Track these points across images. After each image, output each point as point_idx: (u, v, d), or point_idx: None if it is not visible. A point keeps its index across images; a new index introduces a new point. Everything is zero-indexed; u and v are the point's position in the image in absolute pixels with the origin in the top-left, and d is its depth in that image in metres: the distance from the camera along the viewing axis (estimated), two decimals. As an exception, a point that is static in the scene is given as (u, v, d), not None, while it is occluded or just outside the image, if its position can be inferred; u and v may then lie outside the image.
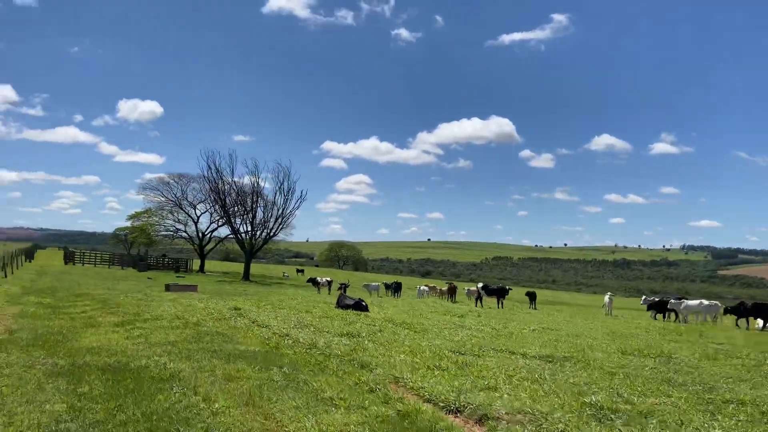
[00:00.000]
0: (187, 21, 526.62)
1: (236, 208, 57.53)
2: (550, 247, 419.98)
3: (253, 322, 15.90)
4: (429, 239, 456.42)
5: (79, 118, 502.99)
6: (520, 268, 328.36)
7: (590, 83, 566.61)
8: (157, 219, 66.30)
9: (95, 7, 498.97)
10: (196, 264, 66.13)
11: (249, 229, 57.42)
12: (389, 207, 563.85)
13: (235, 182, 56.84)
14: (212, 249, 68.58)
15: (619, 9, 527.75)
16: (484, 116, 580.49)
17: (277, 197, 57.24)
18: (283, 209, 56.98)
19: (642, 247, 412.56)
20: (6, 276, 33.95)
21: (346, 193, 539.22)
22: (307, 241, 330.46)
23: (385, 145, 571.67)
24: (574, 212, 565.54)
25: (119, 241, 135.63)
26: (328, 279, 47.22)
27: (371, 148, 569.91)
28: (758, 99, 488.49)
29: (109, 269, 57.54)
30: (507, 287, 39.44)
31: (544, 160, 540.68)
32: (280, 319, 16.87)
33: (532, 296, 42.57)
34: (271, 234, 57.68)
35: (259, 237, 58.09)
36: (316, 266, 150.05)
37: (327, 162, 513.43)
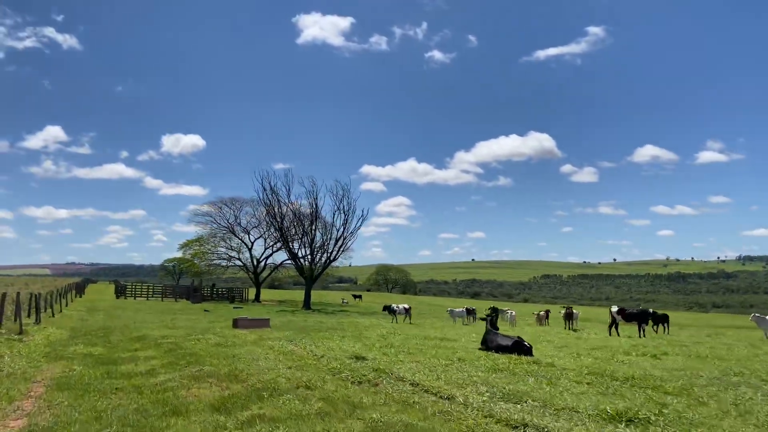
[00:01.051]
0: (225, 56, 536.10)
1: (294, 231, 52.92)
2: (599, 263, 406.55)
3: (414, 386, 10.43)
4: (473, 259, 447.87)
5: (124, 154, 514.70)
6: (570, 286, 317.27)
7: (630, 94, 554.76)
8: (209, 247, 62.28)
9: (137, 48, 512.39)
10: (250, 293, 61.67)
11: (308, 253, 52.69)
12: (430, 228, 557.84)
13: (291, 203, 52.42)
14: (268, 276, 64.24)
15: (657, 16, 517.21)
16: (522, 133, 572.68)
17: (335, 218, 52.50)
18: (343, 230, 52.16)
19: (695, 259, 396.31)
20: (53, 315, 29.59)
21: (386, 216, 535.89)
22: (350, 265, 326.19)
23: (423, 167, 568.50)
24: (621, 226, 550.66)
25: (168, 273, 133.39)
26: (406, 306, 41.92)
27: (409, 170, 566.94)
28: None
29: (162, 302, 53.44)
30: (650, 310, 33.11)
31: (586, 174, 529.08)
32: (437, 374, 11.56)
33: (658, 319, 36.38)
34: (332, 258, 52.83)
35: (318, 262, 53.28)
36: (368, 290, 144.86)
37: (366, 185, 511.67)
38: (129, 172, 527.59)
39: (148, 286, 61.40)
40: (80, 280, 75.11)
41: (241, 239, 62.85)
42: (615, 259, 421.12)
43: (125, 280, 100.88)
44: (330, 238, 52.86)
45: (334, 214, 52.66)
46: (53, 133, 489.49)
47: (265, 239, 62.81)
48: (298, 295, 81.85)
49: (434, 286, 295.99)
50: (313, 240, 51.98)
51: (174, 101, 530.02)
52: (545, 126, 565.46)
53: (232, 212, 62.19)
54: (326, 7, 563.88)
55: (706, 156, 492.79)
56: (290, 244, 52.70)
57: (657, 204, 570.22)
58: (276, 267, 63.14)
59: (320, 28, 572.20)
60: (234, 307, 49.66)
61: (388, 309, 43.21)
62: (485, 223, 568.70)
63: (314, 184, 55.65)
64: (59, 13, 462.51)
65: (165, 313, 38.36)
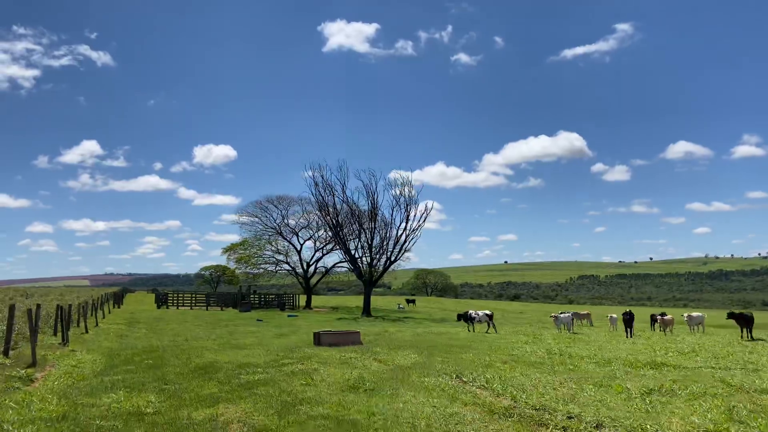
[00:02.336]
0: (253, 67, 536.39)
1: (353, 229, 46.90)
2: (635, 262, 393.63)
3: None
4: (506, 261, 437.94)
5: (158, 166, 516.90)
6: (608, 286, 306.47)
7: (661, 90, 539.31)
8: (255, 250, 56.64)
9: (168, 63, 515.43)
10: (299, 300, 55.87)
11: (367, 254, 46.61)
12: (460, 231, 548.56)
13: (347, 198, 46.43)
14: (319, 281, 58.29)
15: (686, 10, 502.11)
16: (551, 133, 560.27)
17: (394, 213, 46.34)
18: (405, 227, 45.98)
19: (735, 256, 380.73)
20: (87, 331, 23.90)
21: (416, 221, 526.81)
22: (393, 270, 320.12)
23: (452, 170, 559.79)
24: (655, 224, 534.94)
25: (205, 281, 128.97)
26: (488, 312, 35.17)
27: (438, 174, 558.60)
28: None
29: (207, 311, 47.92)
30: (750, 313, 26.43)
31: (618, 173, 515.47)
32: None
33: (743, 320, 29.50)
34: (392, 258, 46.65)
35: (377, 263, 47.12)
36: (412, 295, 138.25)
37: (395, 191, 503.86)
38: (163, 183, 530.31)
39: (192, 294, 56.05)
40: (118, 289, 70.21)
41: (289, 241, 57.18)
42: (651, 258, 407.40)
43: (163, 289, 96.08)
44: (389, 237, 46.72)
45: (392, 210, 46.56)
46: (89, 147, 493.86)
47: (315, 241, 57.10)
48: (348, 300, 75.97)
49: (469, 290, 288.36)
50: (372, 239, 45.91)
51: (204, 113, 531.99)
52: (575, 125, 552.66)
53: (279, 212, 56.77)
54: (351, 14, 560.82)
55: (743, 150, 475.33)
56: (346, 244, 46.67)
57: (692, 201, 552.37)
58: (327, 271, 57.20)
59: (346, 35, 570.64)
60: (288, 316, 43.92)
61: (464, 317, 36.28)
62: (516, 225, 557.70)
63: (373, 176, 49.17)
64: (93, 31, 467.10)
65: (216, 325, 32.72)
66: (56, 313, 19.36)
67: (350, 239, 47.09)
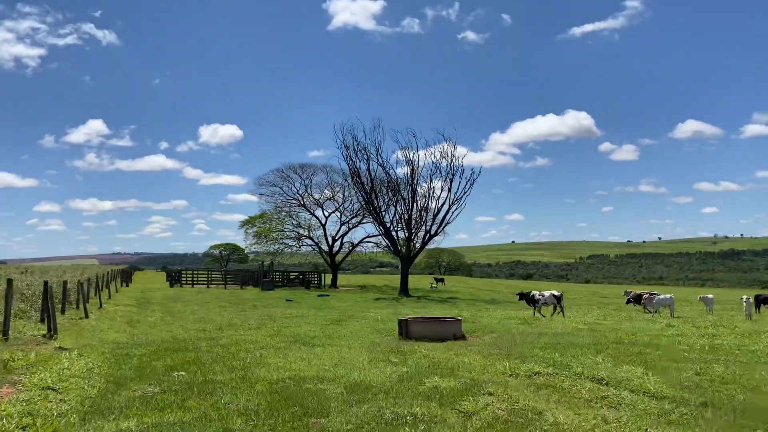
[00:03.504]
0: (258, 47, 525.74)
1: (388, 198, 41.12)
2: (644, 241, 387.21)
3: None
4: (513, 241, 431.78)
5: (164, 145, 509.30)
6: (618, 266, 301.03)
7: (670, 68, 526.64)
8: (275, 224, 50.84)
9: (173, 42, 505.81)
10: (325, 278, 50.33)
11: (404, 226, 40.88)
12: (465, 211, 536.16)
13: (383, 162, 40.46)
14: (345, 257, 52.55)
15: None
16: (559, 112, 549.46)
17: (433, 182, 40.52)
18: (448, 198, 40.22)
19: (745, 236, 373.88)
20: (87, 315, 18.33)
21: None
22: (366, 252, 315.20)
23: (459, 150, 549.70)
24: (663, 204, 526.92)
25: (214, 260, 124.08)
26: (555, 293, 29.17)
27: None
28: None
29: (226, 290, 42.48)
30: None
31: (626, 152, 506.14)
32: None
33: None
34: (432, 232, 40.90)
35: (415, 237, 41.38)
36: (436, 275, 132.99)
37: (399, 170, 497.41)
38: (169, 163, 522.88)
39: (207, 271, 50.55)
40: (127, 267, 64.75)
41: (312, 213, 51.31)
42: (660, 238, 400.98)
43: (174, 267, 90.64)
44: (427, 209, 40.92)
45: (431, 177, 40.65)
46: (95, 126, 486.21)
47: (341, 213, 51.19)
48: (373, 279, 70.51)
49: (478, 269, 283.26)
50: (411, 210, 40.10)
51: (210, 92, 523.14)
52: (583, 104, 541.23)
53: (302, 182, 50.93)
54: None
55: (753, 129, 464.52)
56: (381, 215, 40.88)
57: (701, 181, 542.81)
58: (354, 246, 51.49)
59: (351, 12, 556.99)
60: (318, 295, 38.43)
61: (525, 297, 30.09)
62: (523, 205, 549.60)
63: (414, 136, 42.45)
64: (97, 9, 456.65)
65: (243, 306, 27.25)
66: (44, 292, 13.74)
67: (385, 210, 41.34)
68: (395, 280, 75.11)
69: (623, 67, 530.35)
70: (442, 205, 40.51)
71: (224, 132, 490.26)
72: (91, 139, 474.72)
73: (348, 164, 40.54)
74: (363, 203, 42.51)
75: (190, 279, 46.43)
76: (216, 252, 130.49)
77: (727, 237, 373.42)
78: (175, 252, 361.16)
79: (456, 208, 40.16)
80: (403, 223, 40.69)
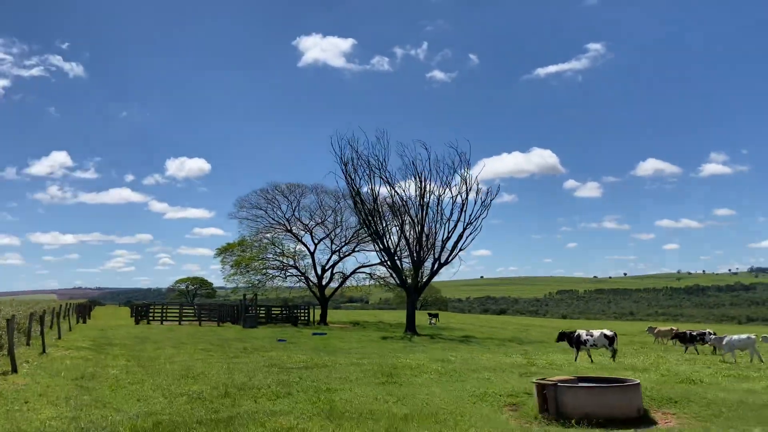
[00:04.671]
0: (227, 81, 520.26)
1: (390, 222, 35.59)
2: (610, 277, 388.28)
3: None
4: (482, 276, 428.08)
5: (130, 178, 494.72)
6: (587, 301, 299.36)
7: (632, 108, 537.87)
8: (256, 251, 44.50)
9: (141, 75, 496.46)
10: (314, 313, 44.03)
11: (411, 254, 35.21)
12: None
13: (390, 179, 34.85)
14: (336, 290, 46.26)
15: (657, 30, 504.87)
16: (524, 149, 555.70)
17: (440, 202, 35.18)
18: (459, 217, 34.85)
19: (707, 272, 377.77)
20: (16, 369, 12.08)
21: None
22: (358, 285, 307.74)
23: (397, 198, 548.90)
24: (625, 240, 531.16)
25: (180, 294, 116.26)
26: (607, 332, 23.46)
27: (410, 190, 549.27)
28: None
29: (201, 326, 35.93)
30: None
31: (590, 189, 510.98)
32: None
33: None
34: (442, 261, 35.26)
35: (422, 266, 35.72)
36: (429, 311, 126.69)
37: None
38: (135, 196, 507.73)
39: (179, 305, 43.79)
40: (85, 301, 57.14)
41: (300, 240, 45.15)
42: (625, 274, 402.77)
43: (139, 302, 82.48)
44: (434, 233, 35.38)
45: (438, 199, 35.21)
46: (59, 158, 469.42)
47: (332, 240, 45.18)
48: (363, 315, 64.44)
49: (450, 304, 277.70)
50: (421, 234, 34.45)
51: (178, 126, 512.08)
52: (547, 142, 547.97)
53: (289, 204, 45.02)
54: (326, 28, 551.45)
55: (710, 168, 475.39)
56: (384, 240, 35.14)
57: (662, 218, 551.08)
58: (346, 277, 45.44)
59: (321, 49, 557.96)
60: (313, 334, 32.29)
61: (567, 338, 24.35)
62: (490, 241, 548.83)
63: (426, 148, 36.99)
64: (64, 41, 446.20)
65: (229, 350, 21.15)
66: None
67: (389, 235, 35.64)
68: (383, 315, 69.03)
69: (586, 106, 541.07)
70: (453, 228, 35.06)
71: (192, 165, 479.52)
72: (54, 171, 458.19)
73: (347, 182, 34.88)
74: (364, 226, 36.60)
75: (158, 315, 39.66)
76: (182, 287, 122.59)
77: (690, 273, 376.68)
78: (138, 287, 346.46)
79: (470, 232, 34.77)
80: (411, 250, 35.01)
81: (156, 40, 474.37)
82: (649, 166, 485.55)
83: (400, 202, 34.88)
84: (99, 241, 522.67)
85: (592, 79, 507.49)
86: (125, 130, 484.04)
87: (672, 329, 34.13)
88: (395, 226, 35.74)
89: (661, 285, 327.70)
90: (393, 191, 34.60)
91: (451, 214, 34.94)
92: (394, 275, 36.04)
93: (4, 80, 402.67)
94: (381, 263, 39.41)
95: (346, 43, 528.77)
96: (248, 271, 43.12)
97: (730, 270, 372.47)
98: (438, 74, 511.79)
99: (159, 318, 39.16)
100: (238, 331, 33.46)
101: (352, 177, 34.95)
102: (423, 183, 34.44)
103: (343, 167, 34.85)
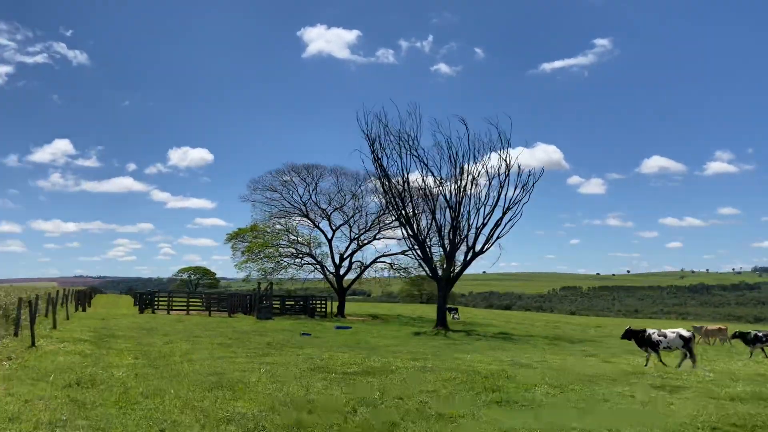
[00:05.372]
0: (231, 71, 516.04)
1: (421, 206, 32.20)
2: (613, 274, 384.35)
3: None
4: (484, 272, 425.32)
5: (132, 167, 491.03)
6: (591, 298, 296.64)
7: (638, 105, 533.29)
8: (270, 237, 41.11)
9: (144, 63, 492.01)
10: (331, 305, 40.74)
11: (443, 241, 31.83)
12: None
13: (423, 158, 31.32)
14: (355, 280, 42.84)
15: (664, 26, 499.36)
16: (529, 145, 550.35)
17: (474, 186, 31.73)
18: (496, 200, 31.46)
19: (710, 270, 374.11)
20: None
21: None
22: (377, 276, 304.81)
23: (429, 180, 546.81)
24: (629, 238, 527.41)
25: (182, 283, 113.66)
26: (683, 332, 19.88)
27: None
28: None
29: (210, 317, 32.64)
30: None
31: (594, 186, 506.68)
32: None
33: None
34: (477, 248, 31.82)
35: (456, 254, 32.29)
36: (449, 305, 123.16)
37: (375, 201, 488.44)
38: (137, 185, 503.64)
39: (186, 294, 40.51)
40: (86, 288, 53.90)
41: (317, 225, 41.74)
42: (629, 271, 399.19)
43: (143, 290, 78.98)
44: (470, 219, 31.82)
45: (473, 180, 31.70)
46: (61, 146, 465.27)
47: (350, 227, 41.81)
48: (378, 307, 61.18)
49: (454, 300, 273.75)
50: (457, 218, 31.02)
51: (181, 115, 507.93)
52: (552, 138, 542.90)
53: (306, 187, 41.77)
54: (331, 19, 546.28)
55: (715, 167, 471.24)
56: (416, 227, 31.74)
57: (665, 216, 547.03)
58: (365, 267, 42.12)
59: (326, 41, 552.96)
60: (336, 327, 28.97)
61: (635, 337, 20.56)
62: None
63: (466, 124, 33.39)
64: (69, 28, 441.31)
65: (253, 345, 17.84)
66: None
67: (416, 220, 32.13)
68: (398, 308, 65.72)
69: (592, 102, 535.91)
70: (490, 213, 31.57)
71: (194, 155, 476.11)
72: (56, 159, 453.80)
73: (374, 160, 31.42)
74: (392, 210, 33.15)
75: (164, 304, 36.37)
76: (185, 276, 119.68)
77: (693, 272, 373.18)
78: (140, 276, 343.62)
79: (510, 218, 31.30)
80: (442, 237, 31.60)
81: (160, 29, 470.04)
82: (654, 163, 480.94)
83: (434, 183, 31.43)
84: (100, 229, 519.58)
85: (598, 74, 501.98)
86: (128, 118, 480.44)
87: (720, 328, 31.39)
88: (426, 210, 32.26)
89: (665, 283, 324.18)
90: (426, 170, 31.12)
91: (488, 197, 31.50)
92: (423, 265, 32.60)
93: (7, 67, 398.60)
94: (408, 250, 36.07)
95: (350, 35, 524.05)
96: (261, 258, 39.71)
97: (733, 269, 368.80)
98: (443, 67, 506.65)
99: (165, 307, 35.86)
100: (253, 322, 30.19)
101: (379, 155, 31.53)
102: (459, 162, 30.96)
103: (371, 144, 31.45)
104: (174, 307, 36.11)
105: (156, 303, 36.82)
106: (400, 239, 40.63)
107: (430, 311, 62.33)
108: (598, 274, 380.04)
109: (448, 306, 63.56)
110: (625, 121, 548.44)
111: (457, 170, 30.90)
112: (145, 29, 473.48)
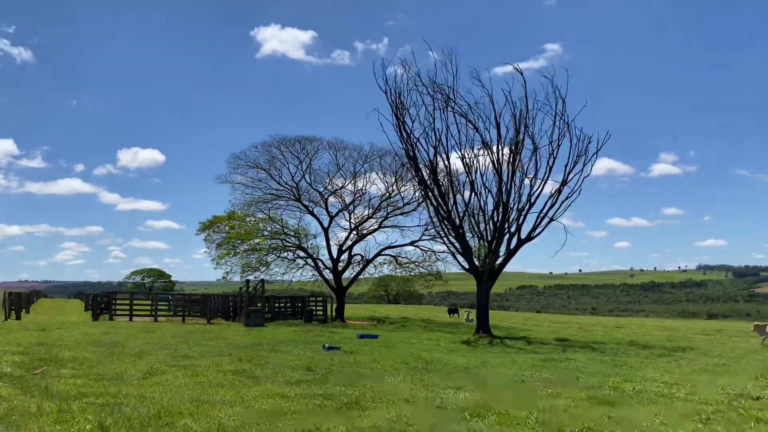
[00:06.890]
0: (184, 71, 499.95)
1: (456, 185, 25.46)
2: (566, 273, 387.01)
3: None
4: (437, 270, 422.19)
5: (80, 168, 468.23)
6: (548, 297, 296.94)
7: (587, 108, 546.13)
8: (252, 225, 33.47)
9: (92, 62, 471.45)
10: (331, 307, 33.56)
11: (489, 227, 25.10)
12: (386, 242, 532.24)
13: (474, 119, 24.37)
14: (356, 277, 35.46)
15: (613, 32, 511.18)
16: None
17: (516, 152, 25.08)
18: (547, 178, 25.05)
19: (657, 269, 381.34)
20: None
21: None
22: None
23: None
24: (579, 238, 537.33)
25: (135, 286, 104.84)
26: None
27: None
28: (759, 117, 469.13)
29: (186, 325, 25.01)
30: None
31: (545, 187, 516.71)
32: None
33: None
34: (523, 237, 25.24)
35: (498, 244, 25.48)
36: (449, 306, 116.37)
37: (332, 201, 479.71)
38: (85, 187, 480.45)
39: (150, 297, 32.68)
40: (26, 291, 44.89)
41: (311, 212, 34.32)
42: (580, 270, 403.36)
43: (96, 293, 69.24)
44: (515, 198, 25.16)
45: (516, 144, 25.14)
46: (4, 146, 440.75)
47: (350, 213, 34.69)
48: (376, 309, 54.60)
49: (413, 298, 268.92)
50: (509, 197, 24.26)
51: (131, 116, 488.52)
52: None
53: (299, 165, 33.92)
54: (285, 19, 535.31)
55: (660, 168, 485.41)
56: (452, 211, 24.89)
57: (614, 216, 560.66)
58: (369, 261, 35.28)
59: (279, 41, 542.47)
60: (358, 336, 22.01)
61: None
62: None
63: (519, 71, 24.86)
64: (11, 24, 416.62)
65: (286, 374, 10.55)
66: None
67: (453, 199, 25.22)
68: (399, 310, 58.94)
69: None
70: (539, 189, 24.96)
71: (145, 156, 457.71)
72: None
73: (398, 122, 24.37)
74: (421, 188, 26.06)
75: (125, 309, 28.45)
76: (138, 279, 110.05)
77: (642, 270, 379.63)
78: (89, 280, 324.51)
79: (567, 195, 24.83)
80: (491, 222, 24.78)
81: (109, 27, 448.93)
82: (602, 165, 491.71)
83: (480, 152, 24.32)
84: (47, 232, 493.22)
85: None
86: (76, 118, 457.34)
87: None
88: (461, 188, 25.43)
89: (616, 281, 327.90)
90: (475, 132, 24.00)
91: (537, 171, 24.91)
92: (457, 257, 25.73)
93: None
94: (435, 238, 29.41)
95: (305, 35, 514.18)
96: (247, 251, 32.06)
97: (679, 267, 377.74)
98: (398, 70, 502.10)
99: (126, 312, 27.98)
100: (245, 331, 22.89)
101: (403, 118, 24.58)
102: (518, 120, 24.08)
103: (392, 102, 24.46)
104: (137, 313, 28.25)
105: (113, 308, 28.91)
106: (405, 228, 33.97)
107: (422, 312, 55.81)
108: (551, 273, 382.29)
109: (449, 307, 57.23)
110: (575, 123, 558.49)
111: (517, 131, 24.14)
112: (93, 27, 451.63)
